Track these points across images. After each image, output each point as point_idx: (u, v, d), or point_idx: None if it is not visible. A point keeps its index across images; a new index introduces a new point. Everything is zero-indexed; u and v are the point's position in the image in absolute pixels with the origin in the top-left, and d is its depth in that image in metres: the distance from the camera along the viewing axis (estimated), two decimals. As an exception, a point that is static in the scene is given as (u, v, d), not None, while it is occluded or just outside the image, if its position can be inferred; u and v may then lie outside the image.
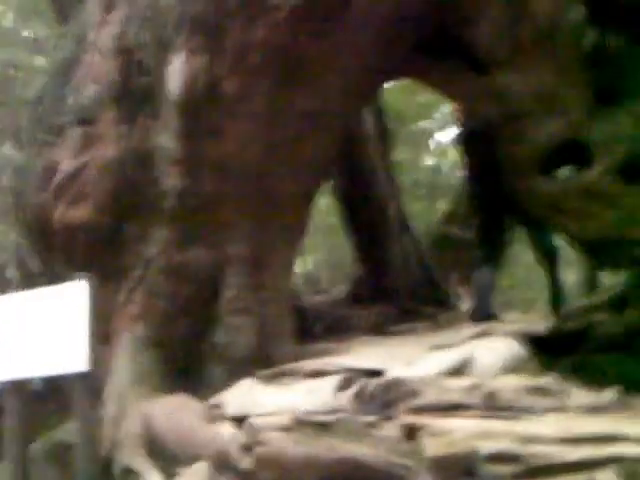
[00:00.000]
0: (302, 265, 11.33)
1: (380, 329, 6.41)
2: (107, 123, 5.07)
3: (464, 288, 7.45)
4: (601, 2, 4.15)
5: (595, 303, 4.85)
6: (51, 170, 5.23)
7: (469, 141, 5.67)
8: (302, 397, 3.62)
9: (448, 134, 12.86)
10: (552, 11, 4.34)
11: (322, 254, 12.92)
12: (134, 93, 5.04)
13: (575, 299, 6.28)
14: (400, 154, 9.83)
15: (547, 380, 3.36)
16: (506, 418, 3.00)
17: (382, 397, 3.30)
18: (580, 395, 3.22)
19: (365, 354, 4.47)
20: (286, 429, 3.29)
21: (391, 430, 3.02)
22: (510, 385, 3.30)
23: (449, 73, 5.13)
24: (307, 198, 5.46)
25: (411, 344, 4.80)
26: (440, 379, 3.50)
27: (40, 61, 10.06)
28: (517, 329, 4.41)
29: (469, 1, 4.63)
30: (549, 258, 5.70)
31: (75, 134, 5.17)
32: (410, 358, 3.93)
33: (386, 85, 7.64)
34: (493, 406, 3.10)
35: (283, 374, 4.10)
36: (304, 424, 3.28)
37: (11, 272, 7.60)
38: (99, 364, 4.30)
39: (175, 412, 4.29)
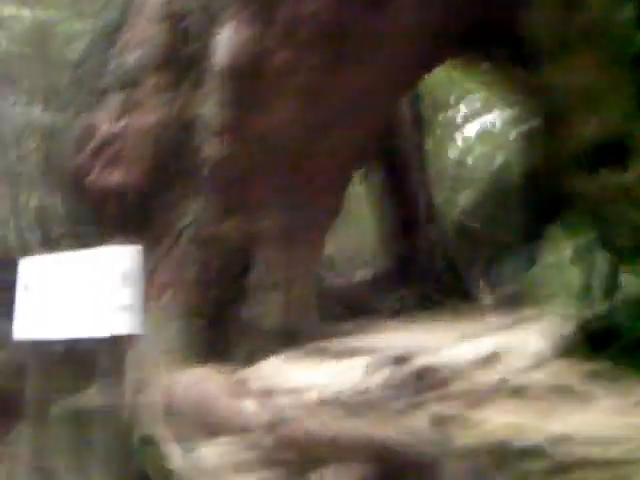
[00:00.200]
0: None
1: (403, 315, 6.39)
2: (149, 89, 5.05)
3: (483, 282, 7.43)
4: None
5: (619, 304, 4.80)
6: (89, 133, 5.21)
7: (528, 137, 5.60)
8: (331, 377, 3.60)
9: (475, 127, 12.70)
10: (606, 6, 4.26)
11: (339, 239, 12.85)
12: (179, 60, 5.01)
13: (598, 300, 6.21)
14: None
15: (576, 377, 3.33)
16: (536, 412, 2.98)
17: (413, 384, 3.28)
18: (610, 394, 3.20)
19: (394, 338, 4.45)
20: (312, 409, 3.28)
21: (420, 418, 3.01)
22: (539, 379, 3.28)
23: (497, 66, 5.07)
24: (344, 180, 5.43)
25: (439, 332, 4.77)
26: (471, 369, 3.48)
27: (80, 25, 10.00)
28: (546, 325, 4.37)
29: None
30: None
31: (116, 98, 5.15)
32: (439, 346, 3.91)
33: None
34: (523, 399, 3.08)
35: (312, 352, 4.09)
36: (332, 404, 3.27)
37: (31, 235, 7.61)
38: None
39: (199, 384, 4.26)
